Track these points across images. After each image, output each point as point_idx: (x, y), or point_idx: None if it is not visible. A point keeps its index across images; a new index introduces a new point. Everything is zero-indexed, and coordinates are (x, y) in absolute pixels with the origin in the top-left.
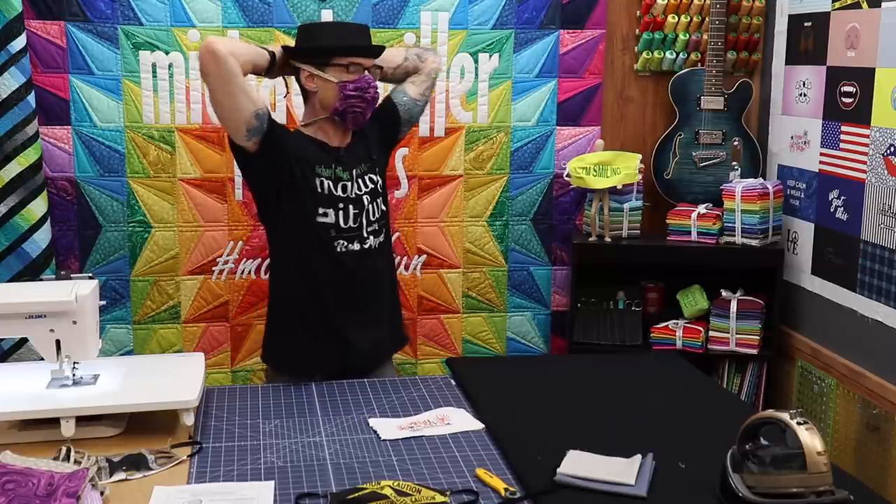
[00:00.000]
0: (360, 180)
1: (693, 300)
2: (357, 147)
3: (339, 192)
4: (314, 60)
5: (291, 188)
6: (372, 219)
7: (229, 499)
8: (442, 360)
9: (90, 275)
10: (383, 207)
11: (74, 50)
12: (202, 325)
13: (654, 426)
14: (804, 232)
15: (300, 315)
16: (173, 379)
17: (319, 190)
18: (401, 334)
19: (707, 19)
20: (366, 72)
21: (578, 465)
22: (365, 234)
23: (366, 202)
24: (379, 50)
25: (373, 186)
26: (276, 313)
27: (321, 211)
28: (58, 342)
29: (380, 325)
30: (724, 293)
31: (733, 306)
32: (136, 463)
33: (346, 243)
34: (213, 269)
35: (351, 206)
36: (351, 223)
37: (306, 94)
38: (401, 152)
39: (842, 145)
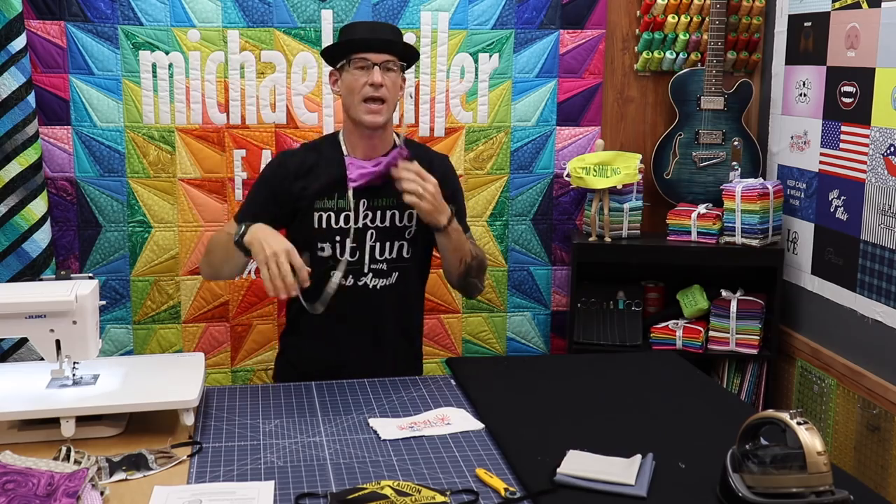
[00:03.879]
0: (368, 212)
1: (693, 300)
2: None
3: (341, 224)
4: (331, 61)
5: (295, 229)
6: (378, 256)
7: (229, 499)
8: (442, 360)
9: (90, 275)
10: (405, 254)
11: (74, 50)
12: (202, 325)
13: (654, 426)
14: (804, 232)
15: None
16: (173, 379)
17: (317, 225)
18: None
19: (707, 19)
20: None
21: (578, 465)
22: (365, 270)
23: (369, 238)
24: (396, 46)
25: (389, 225)
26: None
27: (319, 245)
28: (58, 342)
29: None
30: (724, 293)
31: (733, 306)
32: (136, 463)
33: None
34: None
35: (349, 240)
36: (348, 256)
37: None
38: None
39: (842, 145)
